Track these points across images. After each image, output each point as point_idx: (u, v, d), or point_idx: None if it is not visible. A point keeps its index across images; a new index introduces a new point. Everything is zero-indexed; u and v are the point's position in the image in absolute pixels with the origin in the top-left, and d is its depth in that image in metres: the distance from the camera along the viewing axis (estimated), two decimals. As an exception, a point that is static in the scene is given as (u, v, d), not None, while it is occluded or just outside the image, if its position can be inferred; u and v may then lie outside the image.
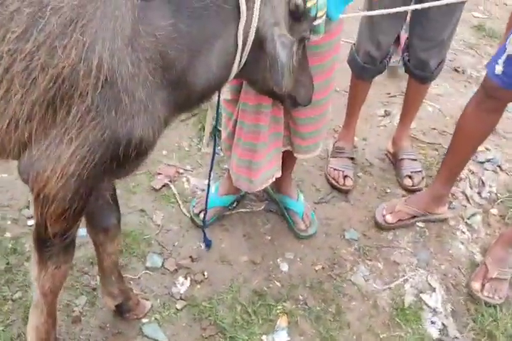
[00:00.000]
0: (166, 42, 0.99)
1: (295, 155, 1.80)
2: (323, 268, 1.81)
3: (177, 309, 1.64)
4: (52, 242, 1.16)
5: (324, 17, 1.28)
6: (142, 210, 1.96)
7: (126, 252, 1.79)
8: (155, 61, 0.99)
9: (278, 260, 1.83)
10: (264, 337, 1.58)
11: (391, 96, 2.70)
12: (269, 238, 1.92)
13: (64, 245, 1.18)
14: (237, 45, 1.09)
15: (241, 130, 1.66)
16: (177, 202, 2.01)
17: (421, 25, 1.93)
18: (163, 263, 1.78)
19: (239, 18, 1.07)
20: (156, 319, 1.61)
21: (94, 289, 1.66)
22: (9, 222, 1.81)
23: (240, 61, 1.14)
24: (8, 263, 1.68)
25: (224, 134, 1.81)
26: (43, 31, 0.91)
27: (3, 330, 1.51)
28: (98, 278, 1.68)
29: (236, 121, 1.69)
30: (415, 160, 2.23)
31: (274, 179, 1.79)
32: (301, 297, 1.71)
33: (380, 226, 1.97)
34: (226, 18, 1.07)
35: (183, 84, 1.06)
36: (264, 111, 1.57)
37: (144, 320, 1.60)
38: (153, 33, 0.97)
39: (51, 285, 1.24)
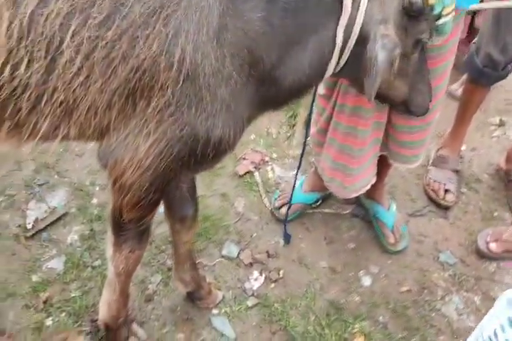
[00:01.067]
0: (256, 37, 0.92)
1: (390, 161, 1.63)
2: (410, 290, 1.63)
3: (248, 306, 1.58)
4: (127, 227, 1.15)
5: (452, 14, 1.07)
6: (224, 195, 1.89)
7: (204, 237, 1.74)
8: (241, 57, 0.92)
9: (360, 272, 1.69)
10: (337, 352, 1.48)
11: (509, 104, 2.35)
12: (353, 246, 1.77)
13: (138, 231, 1.17)
14: (335, 42, 0.99)
15: (336, 131, 1.51)
16: (259, 191, 1.92)
17: None
18: (239, 253, 1.72)
19: (341, 12, 0.97)
20: (226, 312, 1.56)
21: (169, 269, 1.64)
22: (97, 188, 1.82)
23: (339, 61, 1.04)
24: (91, 230, 1.71)
25: (313, 129, 1.66)
26: (126, 19, 0.86)
27: (79, 297, 1.54)
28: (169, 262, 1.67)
29: (329, 118, 1.54)
30: (534, 182, 1.94)
31: (369, 187, 1.64)
32: (381, 319, 1.57)
33: (481, 254, 1.73)
34: (326, 12, 0.98)
35: (270, 82, 0.99)
36: (365, 116, 1.42)
37: (214, 311, 1.56)
38: (242, 27, 0.89)
39: (125, 267, 1.24)
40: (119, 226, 1.14)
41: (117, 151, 0.98)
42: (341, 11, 0.97)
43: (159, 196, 1.07)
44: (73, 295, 1.54)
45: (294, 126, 2.15)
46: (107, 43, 0.87)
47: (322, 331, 1.52)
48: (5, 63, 0.86)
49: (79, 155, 1.90)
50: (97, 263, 1.63)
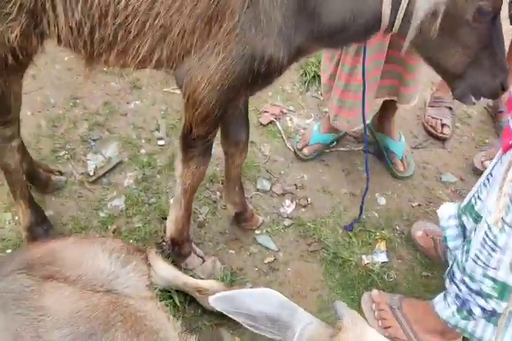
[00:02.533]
0: None
1: (398, 105, 1.89)
2: (419, 205, 1.95)
3: (285, 225, 1.87)
4: (195, 144, 1.37)
5: None
6: (252, 142, 2.15)
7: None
8: None
9: (376, 194, 1.99)
10: (363, 256, 1.77)
11: None
12: (367, 176, 2.07)
13: (204, 148, 1.40)
14: None
15: (342, 72, 1.76)
16: (282, 137, 2.19)
17: None
18: (271, 187, 2.00)
19: None
20: (267, 231, 1.85)
21: (214, 201, 1.92)
22: (143, 141, 2.08)
23: (393, 13, 1.10)
24: (144, 174, 1.98)
25: (325, 77, 1.91)
26: None
27: (143, 226, 1.82)
28: (217, 193, 1.94)
29: (337, 62, 1.78)
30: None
31: (368, 121, 1.91)
32: (398, 227, 1.87)
33: (477, 172, 2.03)
34: None
35: (315, 16, 1.14)
36: (367, 56, 1.57)
37: (257, 232, 1.85)
38: None
39: (191, 182, 1.48)
40: (188, 144, 1.39)
41: (192, 71, 1.19)
42: None
43: (223, 111, 1.30)
44: (136, 225, 1.82)
45: (305, 82, 2.42)
46: None
47: (350, 239, 1.82)
48: None
49: (123, 115, 2.16)
50: (152, 200, 1.90)
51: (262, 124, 2.23)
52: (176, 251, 1.67)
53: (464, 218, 1.54)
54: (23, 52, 1.16)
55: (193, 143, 1.38)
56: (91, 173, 1.93)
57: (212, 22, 1.12)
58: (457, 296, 1.38)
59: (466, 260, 1.33)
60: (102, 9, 1.09)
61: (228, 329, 1.54)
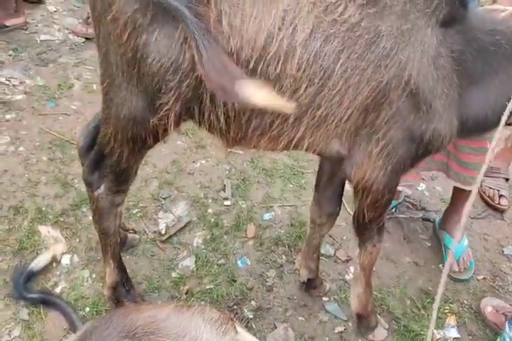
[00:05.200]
0: (458, 63, 1.19)
1: (456, 184, 1.88)
2: (484, 278, 1.96)
3: (351, 293, 1.89)
4: (369, 226, 1.44)
5: None
6: (313, 205, 2.24)
7: (303, 239, 2.07)
8: (450, 78, 1.19)
9: (440, 265, 2.01)
10: (435, 331, 1.77)
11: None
12: (429, 245, 2.11)
13: (378, 228, 1.46)
14: None
15: None
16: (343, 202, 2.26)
17: None
18: (334, 252, 2.04)
19: None
20: (335, 299, 1.86)
21: (281, 265, 1.96)
22: (210, 201, 2.17)
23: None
24: (212, 234, 2.04)
25: None
26: (374, 53, 1.13)
27: (214, 288, 1.84)
28: (283, 256, 1.98)
29: None
30: None
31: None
32: (465, 301, 1.88)
33: (540, 248, 2.07)
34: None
35: (463, 105, 1.24)
36: None
37: (325, 298, 1.86)
38: (451, 55, 1.18)
39: (370, 261, 1.55)
40: (362, 227, 1.45)
41: (357, 157, 1.25)
42: None
43: (392, 195, 1.35)
44: (208, 287, 1.85)
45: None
46: (359, 70, 1.12)
47: (419, 312, 1.82)
48: (290, 88, 1.11)
49: (191, 174, 2.27)
50: (221, 261, 1.95)
51: (322, 188, 2.32)
52: (364, 324, 1.73)
53: None
54: (163, 134, 1.25)
55: (367, 225, 1.44)
56: (162, 232, 2.00)
57: (368, 112, 1.19)
58: None
59: None
60: None
61: None
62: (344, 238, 2.11)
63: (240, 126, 1.21)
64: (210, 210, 2.14)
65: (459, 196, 1.97)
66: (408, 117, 1.20)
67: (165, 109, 1.16)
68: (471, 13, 1.23)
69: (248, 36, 1.07)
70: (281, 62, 1.10)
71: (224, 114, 1.18)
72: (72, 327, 1.60)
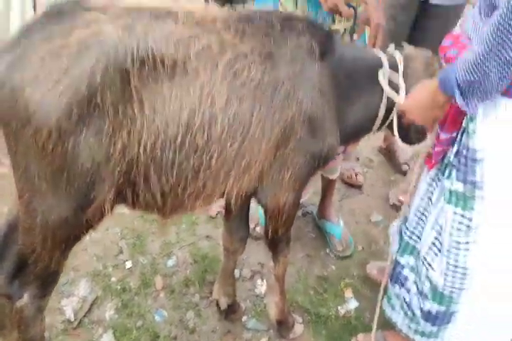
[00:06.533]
0: (334, 88, 1.41)
1: (325, 175, 2.23)
2: (363, 248, 2.30)
3: (265, 304, 2.07)
4: (281, 239, 1.62)
5: None
6: (208, 236, 2.40)
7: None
8: (332, 101, 1.41)
9: (327, 250, 2.31)
10: (339, 307, 2.03)
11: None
12: (314, 235, 2.40)
13: (287, 238, 1.65)
14: (380, 105, 1.51)
15: None
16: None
17: None
18: (240, 273, 2.21)
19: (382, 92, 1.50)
20: (252, 315, 2.04)
21: (196, 304, 2.07)
22: (111, 269, 2.22)
23: (385, 120, 1.54)
24: (122, 301, 2.09)
25: None
26: (279, 98, 1.31)
27: (142, 353, 1.90)
28: (196, 295, 2.11)
29: None
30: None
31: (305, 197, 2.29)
32: (354, 273, 2.18)
33: (395, 207, 2.47)
34: (372, 88, 1.50)
35: (344, 121, 1.49)
36: None
37: (244, 318, 2.03)
38: (329, 82, 1.40)
39: (282, 270, 1.75)
40: (275, 243, 1.62)
41: (270, 188, 1.42)
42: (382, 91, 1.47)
43: (297, 210, 1.56)
44: (136, 354, 1.90)
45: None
46: (270, 116, 1.29)
47: (322, 297, 2.07)
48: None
49: (84, 250, 2.27)
50: (139, 323, 2.00)
51: (211, 217, 2.50)
52: (284, 327, 1.89)
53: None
54: (97, 222, 1.28)
55: (280, 239, 1.62)
56: (71, 319, 1.99)
57: (279, 146, 1.36)
58: (404, 299, 1.66)
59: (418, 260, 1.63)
60: (194, 165, 1.25)
61: None
62: (245, 257, 2.31)
63: (176, 197, 1.30)
64: (113, 278, 2.18)
65: (327, 185, 2.31)
66: (309, 141, 1.40)
67: (99, 199, 1.20)
68: (337, 46, 1.47)
69: (172, 115, 1.18)
70: (206, 130, 1.23)
71: (160, 190, 1.26)
72: None
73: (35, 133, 1.11)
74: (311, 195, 2.47)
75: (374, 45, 1.61)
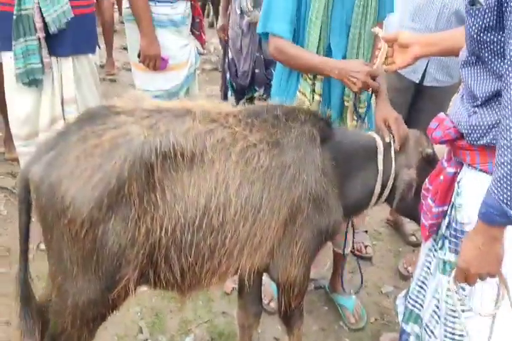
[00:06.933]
0: (335, 168, 1.55)
1: (336, 249, 2.32)
2: (376, 319, 2.31)
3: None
4: (294, 312, 1.68)
5: None
6: (224, 312, 2.47)
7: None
8: (333, 180, 1.54)
9: (340, 322, 2.33)
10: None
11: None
12: (327, 308, 2.44)
13: (300, 311, 1.70)
14: (375, 181, 1.62)
15: None
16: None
17: None
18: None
19: (377, 170, 1.62)
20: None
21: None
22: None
23: (381, 194, 1.65)
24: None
25: None
26: (286, 180, 1.43)
27: None
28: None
29: None
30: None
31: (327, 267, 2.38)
32: (367, 343, 2.17)
33: (405, 277, 2.51)
34: (368, 168, 1.63)
35: (343, 196, 1.60)
36: None
37: None
38: (330, 163, 1.54)
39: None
40: (289, 316, 1.66)
41: (281, 263, 1.50)
42: (377, 169, 1.60)
43: (308, 280, 1.63)
44: None
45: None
46: (278, 197, 1.41)
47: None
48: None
49: (105, 329, 2.36)
50: None
51: (226, 293, 2.60)
52: None
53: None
54: (122, 302, 1.39)
55: (293, 312, 1.66)
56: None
57: (287, 223, 1.46)
58: None
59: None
60: (211, 244, 1.35)
61: None
62: (260, 331, 2.34)
63: (194, 274, 1.39)
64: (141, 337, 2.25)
65: (336, 259, 2.40)
66: (315, 218, 1.51)
67: (125, 279, 1.30)
68: (335, 131, 1.64)
69: (190, 200, 1.30)
70: (221, 213, 1.33)
71: (179, 269, 1.36)
72: None
73: (69, 223, 1.23)
74: (320, 269, 2.56)
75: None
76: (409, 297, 1.77)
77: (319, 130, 1.56)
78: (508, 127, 1.05)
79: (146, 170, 1.28)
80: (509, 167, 1.06)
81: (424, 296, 1.70)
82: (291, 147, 1.48)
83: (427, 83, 2.43)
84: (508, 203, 1.07)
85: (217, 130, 1.40)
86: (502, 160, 1.08)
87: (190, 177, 1.33)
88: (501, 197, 1.08)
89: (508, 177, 1.06)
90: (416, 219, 1.72)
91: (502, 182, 1.08)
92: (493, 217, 1.13)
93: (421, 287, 1.72)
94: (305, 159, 1.49)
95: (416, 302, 1.75)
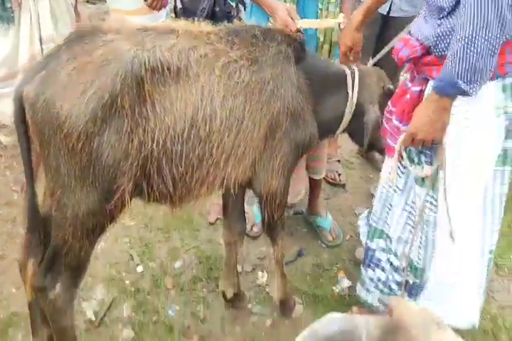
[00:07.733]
0: (309, 86, 1.67)
1: (311, 176, 2.49)
2: (351, 236, 2.55)
3: (267, 292, 2.27)
4: (277, 224, 1.81)
5: None
6: (210, 239, 2.63)
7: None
8: (308, 97, 1.66)
9: (318, 241, 2.55)
10: (333, 287, 2.25)
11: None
12: (306, 230, 2.65)
13: (283, 223, 1.84)
14: (345, 105, 1.80)
15: None
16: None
17: None
18: (242, 267, 2.42)
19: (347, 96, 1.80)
20: (256, 302, 2.23)
21: (204, 298, 2.27)
22: (124, 274, 2.40)
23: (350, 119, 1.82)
24: (136, 301, 2.27)
25: None
26: (265, 95, 1.55)
27: (157, 341, 2.08)
28: (204, 290, 2.30)
29: None
30: (382, 150, 3.08)
31: (302, 195, 2.54)
32: (345, 258, 2.42)
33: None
34: (340, 91, 1.80)
35: (316, 115, 1.73)
36: None
37: (249, 305, 2.22)
38: (305, 81, 1.66)
39: (281, 253, 1.93)
40: (273, 228, 1.80)
41: (263, 176, 1.63)
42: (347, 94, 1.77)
43: (288, 192, 1.76)
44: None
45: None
46: (259, 110, 1.52)
47: (318, 281, 2.28)
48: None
49: (97, 258, 2.47)
50: (155, 318, 2.17)
51: (211, 223, 2.73)
52: (287, 307, 2.08)
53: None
54: (119, 213, 1.44)
55: (276, 224, 1.80)
56: (93, 318, 2.17)
57: (267, 137, 1.59)
58: (379, 279, 1.82)
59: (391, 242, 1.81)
60: (199, 154, 1.45)
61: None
62: (244, 253, 2.53)
63: (184, 184, 1.49)
64: (127, 282, 2.38)
65: (313, 185, 2.58)
66: (293, 132, 1.64)
67: (120, 189, 1.37)
68: (308, 54, 1.75)
69: (179, 112, 1.39)
70: (208, 124, 1.43)
71: (171, 179, 1.44)
72: None
73: (65, 137, 1.29)
74: (303, 195, 2.73)
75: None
76: (373, 214, 1.92)
77: (294, 50, 1.67)
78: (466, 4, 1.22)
79: (136, 83, 1.34)
80: (464, 42, 1.22)
81: (387, 213, 1.84)
82: (269, 64, 1.58)
83: (393, 14, 2.59)
84: (460, 74, 1.26)
85: (200, 46, 1.48)
86: (458, 37, 1.24)
87: (178, 91, 1.40)
88: (455, 69, 1.26)
89: (462, 51, 1.23)
90: (383, 151, 1.88)
91: (456, 55, 1.25)
92: (445, 88, 1.31)
93: (384, 205, 1.86)
94: (282, 76, 1.60)
95: (379, 219, 1.89)
